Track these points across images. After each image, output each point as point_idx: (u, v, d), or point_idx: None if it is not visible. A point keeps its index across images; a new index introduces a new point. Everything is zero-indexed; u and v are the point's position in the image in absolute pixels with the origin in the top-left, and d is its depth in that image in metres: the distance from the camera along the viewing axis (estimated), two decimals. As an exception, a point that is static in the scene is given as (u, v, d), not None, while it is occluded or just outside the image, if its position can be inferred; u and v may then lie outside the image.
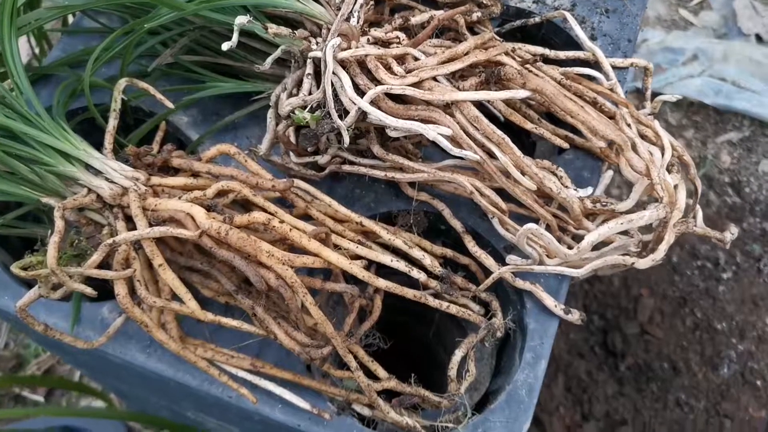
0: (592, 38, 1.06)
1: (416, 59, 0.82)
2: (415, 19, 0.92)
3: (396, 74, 0.79)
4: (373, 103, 0.79)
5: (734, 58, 2.44)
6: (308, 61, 0.83)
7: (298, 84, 0.87)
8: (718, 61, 2.44)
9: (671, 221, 0.82)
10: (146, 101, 0.99)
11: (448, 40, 0.96)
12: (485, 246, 0.90)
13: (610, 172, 0.92)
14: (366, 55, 0.80)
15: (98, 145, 0.82)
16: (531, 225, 0.76)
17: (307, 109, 0.81)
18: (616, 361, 1.96)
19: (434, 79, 0.80)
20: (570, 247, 0.88)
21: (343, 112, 0.81)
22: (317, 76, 0.85)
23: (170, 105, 0.82)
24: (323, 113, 0.81)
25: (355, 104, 0.78)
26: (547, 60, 1.01)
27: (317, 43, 0.86)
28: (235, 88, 0.94)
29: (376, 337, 0.84)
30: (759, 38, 2.53)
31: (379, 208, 0.93)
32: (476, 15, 0.93)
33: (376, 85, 0.79)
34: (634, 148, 0.83)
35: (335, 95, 0.81)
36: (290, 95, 0.85)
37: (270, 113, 0.90)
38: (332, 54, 0.79)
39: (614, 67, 1.01)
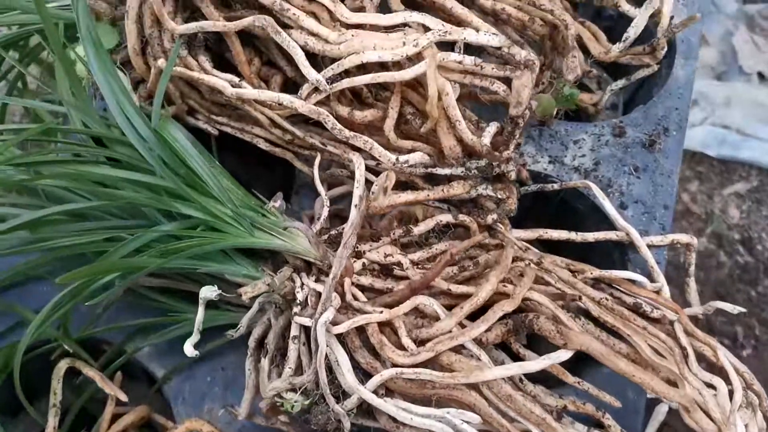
0: (622, 207, 0.90)
1: (426, 315, 0.66)
2: (418, 228, 0.76)
3: (406, 348, 0.63)
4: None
5: (737, 101, 2.30)
6: (294, 323, 0.67)
7: (282, 338, 0.70)
8: (720, 106, 2.30)
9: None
10: (98, 325, 0.82)
11: (457, 239, 0.80)
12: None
13: (665, 407, 0.77)
14: (367, 324, 0.63)
15: None
16: None
17: (299, 392, 0.64)
18: (635, 453, 1.83)
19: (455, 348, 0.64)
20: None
21: (342, 394, 0.64)
22: (306, 333, 0.68)
23: (123, 397, 0.65)
24: (316, 396, 0.64)
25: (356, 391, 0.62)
26: (574, 245, 0.86)
27: (302, 286, 0.69)
28: (207, 322, 0.77)
29: None
30: (761, 76, 2.39)
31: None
32: (491, 218, 0.77)
33: (380, 363, 0.63)
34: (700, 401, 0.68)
35: (329, 370, 0.64)
36: (273, 359, 0.69)
37: (248, 363, 0.73)
38: (324, 330, 0.62)
39: (651, 246, 0.86)
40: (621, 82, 0.97)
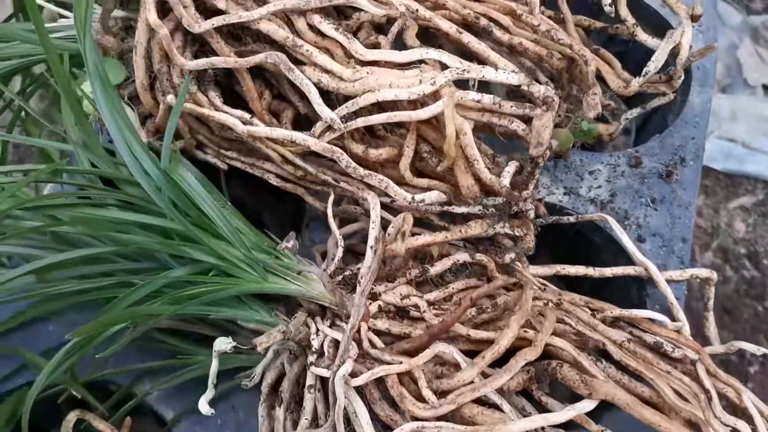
0: (639, 240, 0.88)
1: (449, 367, 0.64)
2: (435, 269, 0.74)
3: (426, 400, 0.61)
4: (400, 440, 0.61)
5: (743, 115, 2.28)
6: (310, 372, 0.65)
7: (297, 384, 0.68)
8: (725, 119, 2.28)
9: None
10: (106, 367, 0.80)
11: (473, 277, 0.78)
12: None
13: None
14: (387, 375, 0.62)
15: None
16: None
17: (314, 445, 0.62)
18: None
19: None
20: None
21: (361, 447, 0.62)
22: (322, 381, 0.66)
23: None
24: (334, 449, 0.62)
25: (376, 445, 0.60)
26: (592, 280, 0.84)
27: (317, 332, 0.68)
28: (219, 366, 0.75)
29: None
30: (767, 89, 2.38)
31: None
32: (509, 257, 0.75)
33: (400, 416, 0.61)
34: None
35: (347, 422, 0.62)
36: (288, 405, 0.67)
37: (261, 409, 0.71)
38: (342, 383, 0.60)
39: (670, 281, 0.84)
40: (636, 111, 0.96)
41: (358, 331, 0.67)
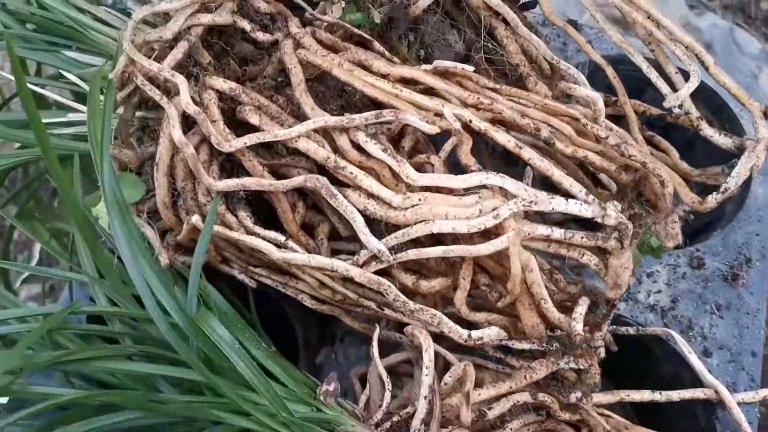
0: (706, 353, 0.81)
1: None
2: (493, 412, 0.66)
3: None
4: None
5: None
6: None
7: None
8: (748, 155, 2.21)
9: None
10: None
11: (531, 411, 0.70)
12: None
13: None
14: None
15: None
16: None
17: None
18: None
19: None
20: None
21: None
22: None
23: None
24: None
25: None
26: (657, 404, 0.76)
27: (368, 499, 0.60)
28: None
29: None
30: (788, 122, 2.30)
31: None
32: (575, 396, 0.67)
33: None
34: None
35: None
36: None
37: None
38: None
39: (742, 404, 0.77)
40: (695, 204, 0.88)
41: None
